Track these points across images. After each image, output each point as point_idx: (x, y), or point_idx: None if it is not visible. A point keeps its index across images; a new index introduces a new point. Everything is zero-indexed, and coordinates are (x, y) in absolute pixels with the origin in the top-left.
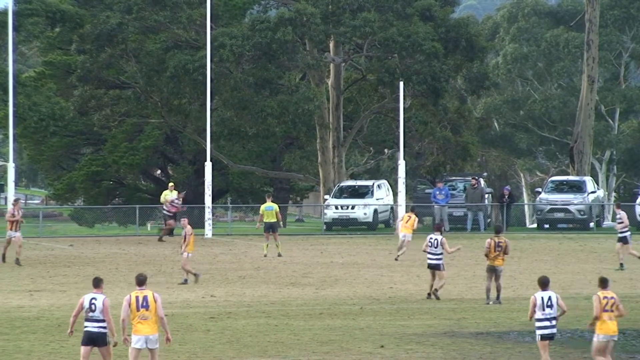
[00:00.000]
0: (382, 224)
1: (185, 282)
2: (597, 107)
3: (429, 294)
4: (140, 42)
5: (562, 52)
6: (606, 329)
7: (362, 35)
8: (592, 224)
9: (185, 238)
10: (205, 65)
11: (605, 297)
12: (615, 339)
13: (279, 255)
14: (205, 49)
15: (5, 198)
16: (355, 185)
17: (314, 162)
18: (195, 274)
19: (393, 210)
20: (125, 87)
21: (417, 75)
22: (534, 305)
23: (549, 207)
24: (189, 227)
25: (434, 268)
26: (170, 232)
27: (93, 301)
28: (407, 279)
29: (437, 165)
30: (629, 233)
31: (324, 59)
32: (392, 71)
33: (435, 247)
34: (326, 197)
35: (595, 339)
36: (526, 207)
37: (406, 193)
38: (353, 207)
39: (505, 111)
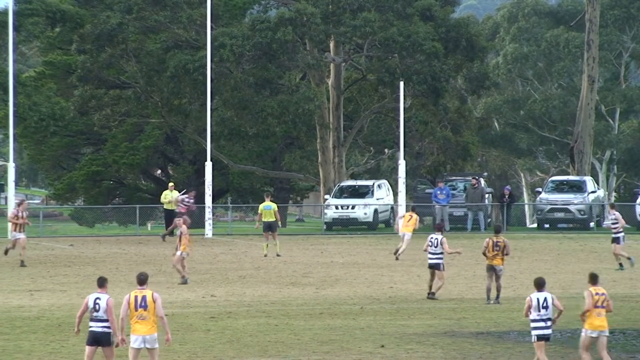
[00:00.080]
0: (382, 224)
1: (185, 282)
2: (597, 107)
3: (429, 294)
4: (140, 42)
5: (562, 52)
6: (595, 324)
7: (363, 35)
8: (592, 224)
9: (180, 238)
10: (206, 65)
11: (597, 294)
12: (606, 334)
13: (278, 255)
14: (206, 49)
15: (6, 198)
16: (355, 185)
17: (314, 162)
18: (183, 276)
19: (393, 210)
20: (125, 87)
21: (418, 75)
22: (529, 307)
23: (549, 207)
24: (184, 227)
25: (433, 268)
26: (171, 232)
27: (97, 301)
28: (408, 279)
29: (437, 165)
30: (622, 234)
31: (324, 59)
32: (392, 71)
33: (436, 247)
34: (326, 197)
35: (583, 334)
36: (526, 207)
37: (406, 193)
38: (353, 207)
39: (505, 111)
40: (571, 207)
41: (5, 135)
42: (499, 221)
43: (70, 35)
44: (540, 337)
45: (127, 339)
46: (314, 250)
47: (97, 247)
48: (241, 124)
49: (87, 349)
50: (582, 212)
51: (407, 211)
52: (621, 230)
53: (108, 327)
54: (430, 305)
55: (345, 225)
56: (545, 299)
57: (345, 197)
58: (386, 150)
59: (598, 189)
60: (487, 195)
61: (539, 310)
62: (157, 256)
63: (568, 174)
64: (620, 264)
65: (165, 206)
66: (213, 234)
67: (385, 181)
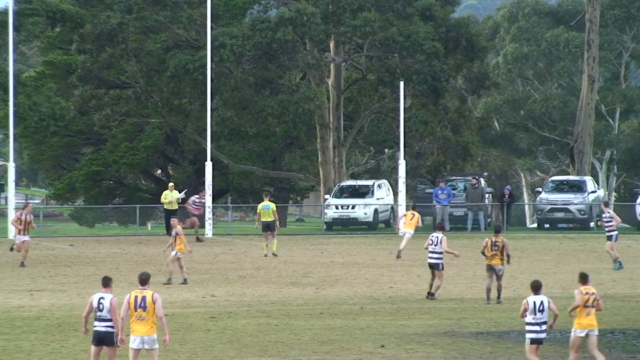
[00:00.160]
0: (382, 224)
1: (185, 282)
2: (597, 107)
3: (428, 293)
4: (140, 42)
5: (562, 51)
6: (584, 323)
7: (363, 35)
8: (592, 224)
9: (175, 238)
10: (206, 65)
11: (587, 293)
12: (596, 333)
13: (274, 254)
14: (206, 49)
15: (6, 198)
16: (355, 185)
17: (315, 161)
18: (169, 278)
19: (393, 210)
20: (125, 87)
21: (418, 75)
22: (525, 310)
23: (549, 206)
24: (179, 227)
25: (433, 267)
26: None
27: (101, 301)
28: (408, 279)
29: (437, 165)
30: (616, 232)
31: (325, 59)
32: (392, 71)
33: (436, 245)
34: (326, 196)
35: (572, 334)
36: (526, 206)
37: (406, 193)
38: (353, 207)
39: (505, 111)
40: (571, 207)
41: (6, 135)
42: (499, 221)
43: (71, 35)
44: (533, 341)
45: (127, 339)
46: (314, 250)
47: (97, 247)
48: (241, 123)
49: (93, 348)
50: (582, 212)
51: (407, 210)
52: (615, 228)
53: (112, 327)
54: (430, 305)
55: (345, 225)
56: (541, 303)
57: (346, 197)
58: (386, 150)
59: (598, 189)
60: (487, 195)
61: (535, 314)
62: (157, 256)
63: (568, 174)
64: (620, 263)
65: (165, 206)
66: (213, 234)
67: (385, 181)
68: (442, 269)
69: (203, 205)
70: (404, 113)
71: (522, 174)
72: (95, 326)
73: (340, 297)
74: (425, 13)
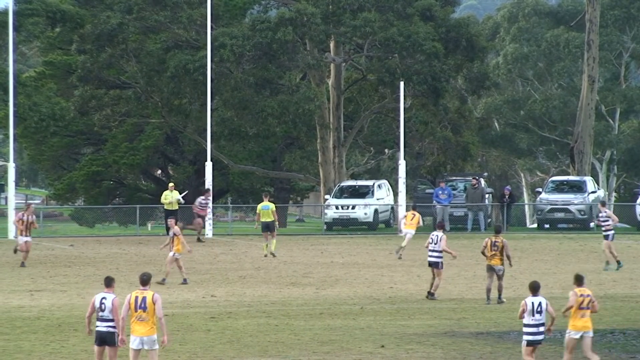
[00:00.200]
0: (382, 224)
1: (185, 282)
2: (597, 107)
3: (428, 292)
4: (140, 42)
5: (562, 52)
6: (579, 325)
7: (363, 35)
8: (592, 224)
9: (172, 239)
10: (206, 65)
11: (582, 295)
12: (590, 334)
13: (272, 254)
14: (206, 49)
15: (6, 198)
16: (355, 185)
17: (315, 162)
18: (164, 278)
19: (393, 210)
20: (125, 87)
21: (418, 75)
22: (523, 311)
23: (549, 207)
24: (176, 227)
25: (432, 266)
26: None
27: (103, 300)
28: (408, 279)
29: (437, 165)
30: (612, 232)
31: (325, 59)
32: (392, 71)
33: (436, 244)
34: (327, 197)
35: (567, 335)
36: (526, 207)
37: (406, 193)
38: (353, 207)
39: (505, 111)
40: (571, 207)
41: (6, 135)
42: (499, 221)
43: (71, 35)
44: (530, 343)
45: (128, 339)
46: (314, 250)
47: (97, 247)
48: (241, 124)
49: (96, 349)
50: (582, 212)
51: (407, 211)
52: (611, 228)
53: (113, 327)
54: (430, 305)
55: (345, 226)
56: (539, 304)
57: (346, 197)
58: (386, 150)
59: (598, 189)
60: (487, 196)
61: (533, 315)
62: (158, 256)
63: (568, 174)
64: (618, 262)
65: (165, 207)
66: (213, 234)
67: (385, 181)
68: (442, 267)
69: (206, 207)
70: (404, 113)
71: (522, 174)
72: (97, 326)
73: (340, 297)
74: (425, 13)
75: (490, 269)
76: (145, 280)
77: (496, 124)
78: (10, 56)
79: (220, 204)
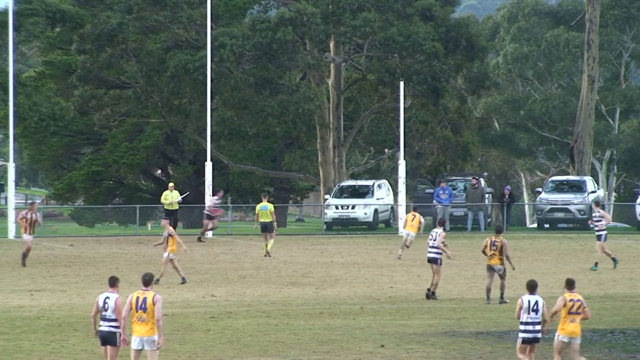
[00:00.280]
0: (382, 224)
1: (184, 281)
2: (597, 107)
3: (428, 290)
4: (140, 42)
5: (562, 52)
6: (568, 330)
7: (363, 35)
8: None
9: (167, 239)
10: (206, 65)
11: (571, 300)
12: (578, 341)
13: (268, 253)
14: (206, 49)
15: (6, 198)
16: (355, 185)
17: (315, 162)
18: (157, 279)
19: (393, 210)
20: (125, 87)
21: (418, 75)
22: (520, 308)
23: (549, 206)
24: (170, 228)
25: (431, 262)
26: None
27: (106, 300)
28: (408, 279)
29: (437, 165)
30: (605, 232)
31: (325, 59)
32: (392, 71)
33: (434, 240)
34: (326, 196)
35: (556, 338)
36: (526, 206)
37: (406, 193)
38: (353, 207)
39: (505, 111)
40: (571, 207)
41: (5, 135)
42: (499, 221)
43: (70, 35)
44: (524, 340)
45: (130, 339)
46: (314, 250)
47: (97, 247)
48: (241, 124)
49: (102, 348)
50: (582, 212)
51: (407, 212)
52: (604, 228)
53: (115, 327)
54: (430, 305)
55: (345, 225)
56: (536, 302)
57: (346, 197)
58: (386, 150)
59: (598, 189)
60: (487, 195)
61: (529, 313)
62: (158, 256)
63: (568, 174)
64: (614, 259)
65: (165, 207)
66: (213, 234)
67: (385, 181)
68: (441, 264)
69: (219, 207)
70: (404, 113)
71: (522, 174)
72: (100, 326)
73: (340, 297)
74: (425, 13)
75: (490, 268)
76: (147, 281)
77: (496, 124)
78: (10, 56)
79: (220, 204)
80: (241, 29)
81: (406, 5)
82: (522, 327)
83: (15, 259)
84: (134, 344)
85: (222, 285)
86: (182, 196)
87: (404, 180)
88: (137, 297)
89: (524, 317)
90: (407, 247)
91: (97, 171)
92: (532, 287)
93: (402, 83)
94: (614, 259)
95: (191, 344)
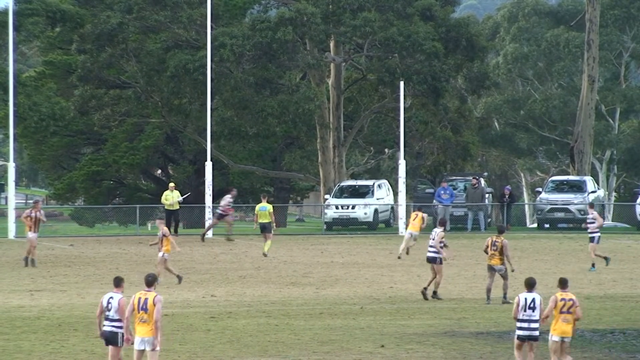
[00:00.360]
0: (382, 224)
1: (179, 279)
2: (597, 107)
3: (424, 289)
4: (140, 42)
5: (562, 51)
6: (559, 329)
7: (363, 35)
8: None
9: (161, 240)
10: (206, 65)
11: (562, 299)
12: (568, 340)
13: (264, 254)
14: (206, 49)
15: (6, 198)
16: (355, 185)
17: (315, 161)
18: (158, 275)
19: (393, 210)
20: (125, 87)
21: (418, 75)
22: (518, 305)
23: (549, 206)
24: (164, 228)
25: (430, 261)
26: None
27: (110, 300)
28: (408, 279)
29: (437, 165)
30: (598, 234)
31: (325, 59)
32: (392, 71)
33: (434, 239)
34: (326, 196)
35: (549, 338)
36: (526, 206)
37: (406, 193)
38: (353, 207)
39: (505, 111)
40: (571, 207)
41: (6, 135)
42: (499, 221)
43: (71, 35)
44: (520, 337)
45: (133, 339)
46: (314, 250)
47: (97, 247)
48: (241, 123)
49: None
50: (582, 212)
51: (407, 212)
52: (597, 230)
53: (117, 327)
54: (430, 305)
55: (345, 225)
56: (532, 300)
57: (346, 197)
58: (386, 150)
59: (598, 188)
60: (487, 195)
61: (525, 311)
62: (157, 256)
63: (568, 174)
64: (606, 258)
65: (166, 207)
66: (213, 234)
67: (385, 181)
68: (440, 263)
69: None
70: (404, 113)
71: (522, 174)
72: (104, 326)
73: (340, 297)
74: (425, 13)
75: (491, 268)
76: (149, 282)
77: (496, 124)
78: (10, 56)
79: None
80: (241, 28)
81: (406, 5)
82: (517, 325)
83: (17, 259)
84: (136, 345)
85: (222, 285)
86: (183, 197)
87: (404, 180)
88: (139, 298)
89: (520, 315)
90: (407, 253)
91: (97, 171)
92: (530, 285)
93: (402, 83)
94: (605, 258)
95: (191, 344)
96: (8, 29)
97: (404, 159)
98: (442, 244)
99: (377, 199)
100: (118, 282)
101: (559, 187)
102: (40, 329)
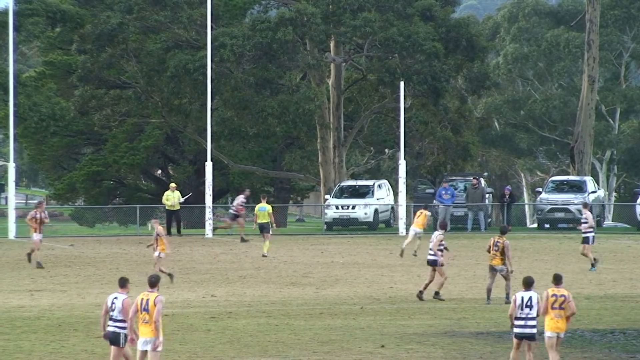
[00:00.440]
0: (382, 224)
1: (171, 277)
2: (597, 107)
3: (420, 292)
4: (140, 42)
5: (562, 52)
6: (552, 325)
7: (363, 35)
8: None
9: (156, 240)
10: (206, 65)
11: (554, 295)
12: (562, 335)
13: (263, 255)
14: (206, 49)
15: (6, 198)
16: (355, 185)
17: (315, 162)
18: (159, 273)
19: (394, 210)
20: (125, 87)
21: (418, 75)
22: (515, 304)
23: (549, 207)
24: (160, 228)
25: (431, 264)
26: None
27: (114, 301)
28: (408, 279)
29: (437, 165)
30: (592, 234)
31: (325, 59)
32: (392, 71)
33: (433, 242)
34: (327, 197)
35: (545, 335)
36: (527, 207)
37: (407, 193)
38: (354, 207)
39: (505, 111)
40: (571, 207)
41: (6, 135)
42: (499, 221)
43: (71, 35)
44: (517, 335)
45: (137, 338)
46: (314, 250)
47: (97, 247)
48: (241, 124)
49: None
50: (582, 213)
51: (407, 212)
52: (590, 230)
53: (120, 328)
54: (430, 305)
55: (345, 225)
56: (530, 298)
57: (346, 197)
58: (386, 150)
59: (598, 189)
60: (487, 195)
61: (522, 309)
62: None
63: (568, 174)
64: (594, 259)
65: (167, 207)
66: (213, 234)
67: (385, 181)
68: (440, 265)
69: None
70: (404, 113)
71: (522, 174)
72: (108, 326)
73: (340, 297)
74: (426, 13)
75: (492, 269)
76: (152, 283)
77: (496, 124)
78: (10, 56)
79: (221, 204)
80: (241, 29)
81: (406, 5)
82: (515, 323)
83: (19, 259)
84: (139, 345)
85: (222, 285)
86: (184, 198)
87: (404, 180)
88: (142, 299)
89: (517, 313)
90: (415, 255)
91: (98, 171)
92: (527, 284)
93: (402, 83)
94: (593, 262)
95: (191, 344)
96: (8, 29)
97: (404, 159)
98: (441, 247)
99: (377, 199)
100: (123, 283)
101: (559, 187)
102: (41, 329)
